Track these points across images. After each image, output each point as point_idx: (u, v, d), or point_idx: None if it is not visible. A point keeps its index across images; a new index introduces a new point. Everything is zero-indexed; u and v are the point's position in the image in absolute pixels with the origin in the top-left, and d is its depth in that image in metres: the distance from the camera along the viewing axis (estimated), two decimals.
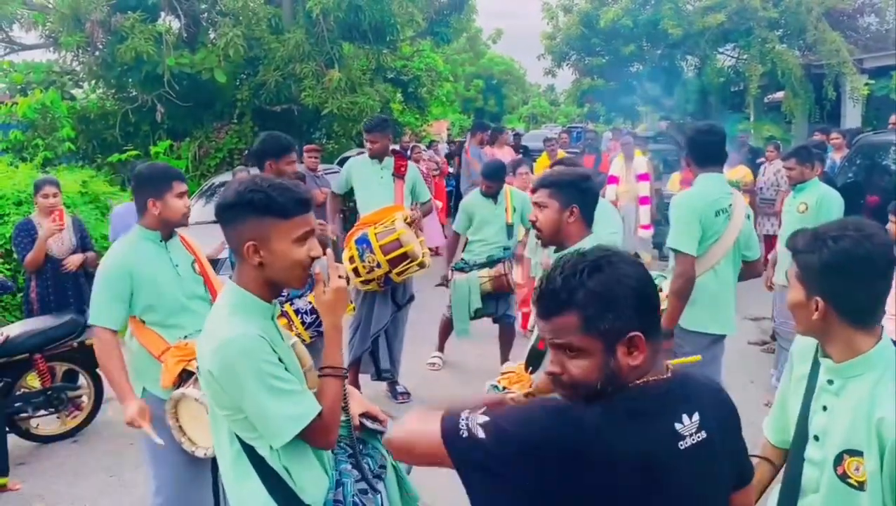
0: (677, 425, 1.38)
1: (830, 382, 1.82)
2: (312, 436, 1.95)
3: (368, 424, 2.26)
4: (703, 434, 1.40)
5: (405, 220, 4.95)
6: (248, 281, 1.98)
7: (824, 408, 1.82)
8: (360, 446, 2.24)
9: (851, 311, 1.75)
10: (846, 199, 5.51)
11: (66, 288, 5.45)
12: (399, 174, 5.41)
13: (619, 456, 1.33)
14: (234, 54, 11.51)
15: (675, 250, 3.80)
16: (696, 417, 1.40)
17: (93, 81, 12.96)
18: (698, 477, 1.40)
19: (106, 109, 12.71)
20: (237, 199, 1.95)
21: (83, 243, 5.60)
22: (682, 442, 1.37)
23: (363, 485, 2.14)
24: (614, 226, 4.76)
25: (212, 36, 12.69)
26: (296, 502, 1.97)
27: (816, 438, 1.82)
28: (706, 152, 4.00)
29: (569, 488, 1.31)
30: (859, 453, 1.71)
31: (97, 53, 11.93)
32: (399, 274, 4.92)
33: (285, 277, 1.98)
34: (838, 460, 1.75)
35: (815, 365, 1.89)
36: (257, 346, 1.88)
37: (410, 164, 5.58)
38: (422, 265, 4.94)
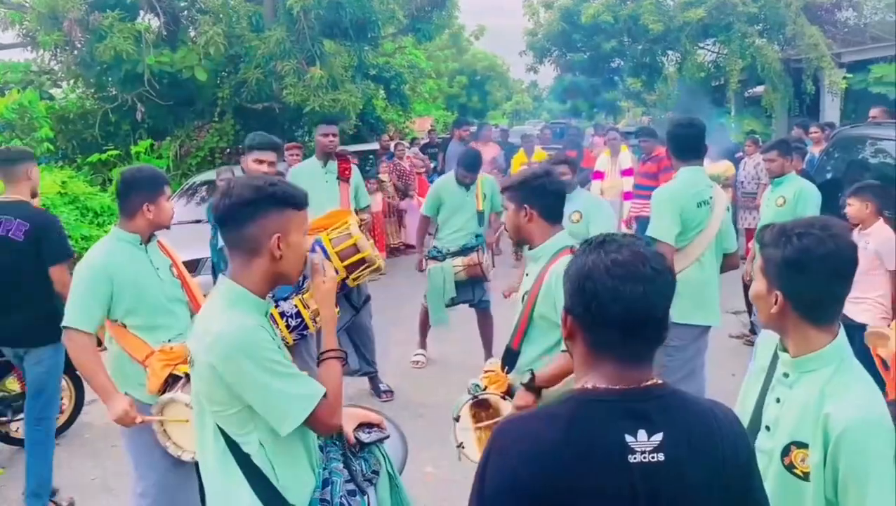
0: (628, 437, 1.34)
1: (786, 375, 1.85)
2: (319, 418, 1.98)
3: (365, 438, 2.28)
4: (661, 457, 1.34)
5: (358, 224, 4.87)
6: (251, 278, 2.01)
7: (777, 400, 1.87)
8: (356, 449, 2.27)
9: (808, 307, 1.77)
10: (824, 193, 5.57)
11: None
12: (344, 177, 5.38)
13: (566, 453, 1.33)
14: (215, 52, 11.43)
15: (653, 239, 3.85)
16: (657, 437, 1.34)
17: (72, 81, 12.84)
18: (653, 500, 1.33)
19: (85, 109, 12.58)
20: (258, 194, 1.98)
21: None
22: (632, 456, 1.33)
23: (352, 486, 2.16)
24: (607, 225, 4.75)
25: (192, 34, 12.59)
26: (280, 501, 1.98)
27: (768, 428, 1.86)
28: (686, 146, 4.08)
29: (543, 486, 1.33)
30: (805, 445, 1.75)
31: (76, 52, 11.80)
32: (354, 280, 4.84)
33: (294, 269, 2.06)
34: (786, 450, 1.79)
35: (776, 358, 1.93)
36: (259, 336, 1.93)
37: (354, 167, 5.55)
38: (378, 269, 4.87)
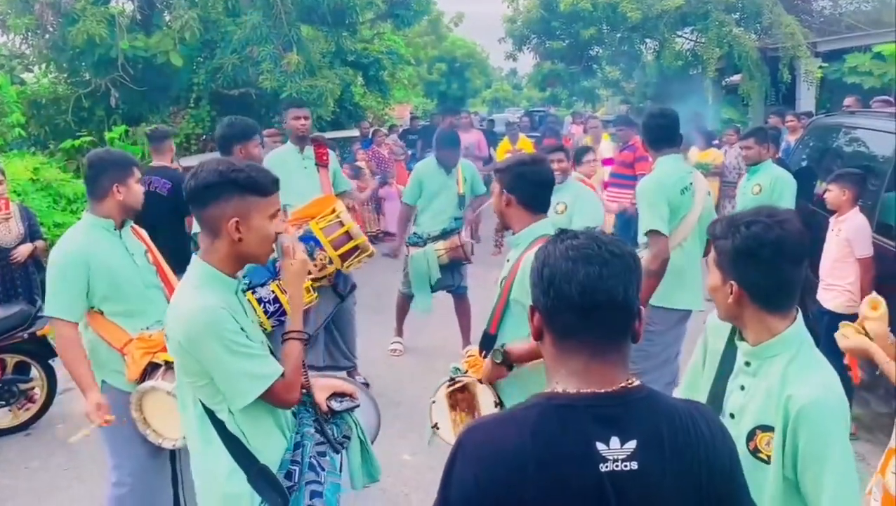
0: (599, 445, 1.29)
1: (748, 363, 1.87)
2: (276, 395, 2.13)
3: (336, 406, 2.42)
4: (634, 465, 1.29)
5: (347, 210, 4.80)
6: (216, 257, 2.13)
7: (742, 387, 1.89)
8: (328, 416, 2.41)
9: (763, 295, 1.80)
10: (799, 181, 5.62)
11: (14, 278, 5.32)
12: (322, 163, 5.28)
13: (537, 461, 1.29)
14: (190, 37, 11.26)
15: (651, 232, 3.87)
16: (630, 444, 1.29)
17: (43, 65, 12.58)
18: None
19: (58, 94, 12.35)
20: (220, 178, 2.08)
21: (31, 232, 5.46)
22: (603, 464, 1.28)
23: (322, 448, 2.31)
24: (593, 218, 4.65)
25: (167, 18, 12.38)
26: (253, 462, 2.14)
27: (732, 415, 1.88)
28: (660, 135, 4.12)
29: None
30: (770, 429, 1.78)
31: (47, 36, 11.57)
32: (347, 267, 4.79)
33: (258, 251, 2.16)
34: (751, 435, 1.82)
35: (730, 346, 1.95)
36: (220, 316, 2.04)
37: (331, 152, 5.46)
38: (370, 255, 4.84)
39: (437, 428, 3.05)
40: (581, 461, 1.28)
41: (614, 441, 1.29)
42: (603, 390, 1.34)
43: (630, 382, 1.37)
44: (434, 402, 3.08)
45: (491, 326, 3.01)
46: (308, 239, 4.63)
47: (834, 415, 1.72)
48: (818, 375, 1.78)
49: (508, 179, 2.90)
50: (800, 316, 1.86)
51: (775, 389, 1.78)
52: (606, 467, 1.28)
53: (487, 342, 3.02)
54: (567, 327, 1.36)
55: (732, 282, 1.80)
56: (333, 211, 4.68)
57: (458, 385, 3.01)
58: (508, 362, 2.82)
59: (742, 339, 1.89)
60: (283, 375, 2.13)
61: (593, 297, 1.32)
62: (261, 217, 2.10)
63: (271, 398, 2.13)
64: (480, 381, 2.95)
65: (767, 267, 1.77)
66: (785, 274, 1.79)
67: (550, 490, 1.28)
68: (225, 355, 2.03)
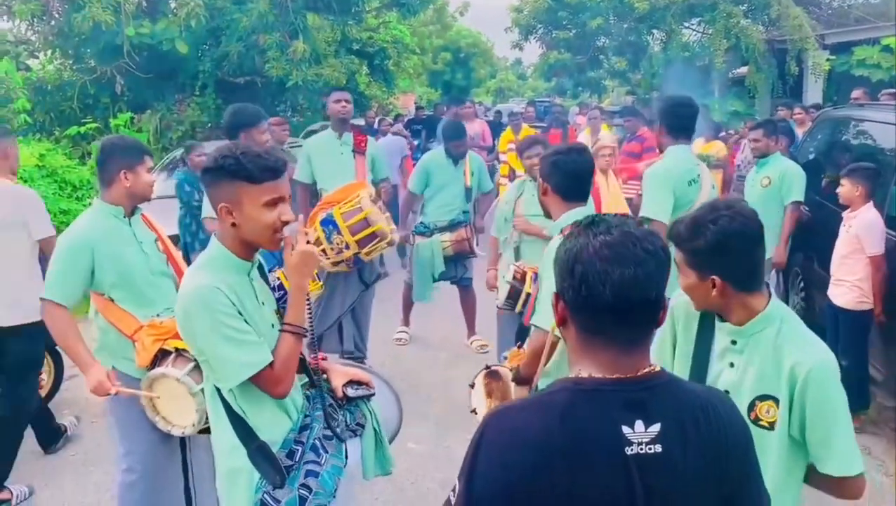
0: (625, 429, 1.30)
1: (734, 341, 1.99)
2: (263, 385, 2.13)
3: (351, 393, 2.43)
4: (658, 448, 1.30)
5: (370, 197, 4.84)
6: (226, 238, 2.16)
7: (732, 365, 2.00)
8: (342, 402, 2.42)
9: (742, 280, 1.93)
10: (807, 173, 5.59)
11: None
12: (360, 150, 5.29)
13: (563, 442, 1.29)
14: (196, 24, 11.25)
15: (647, 219, 3.86)
16: (654, 428, 1.31)
17: (49, 52, 12.60)
18: (648, 493, 1.29)
19: (63, 81, 12.36)
20: (213, 164, 2.11)
21: None
22: (629, 447, 1.29)
23: (330, 432, 2.31)
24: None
25: (172, 5, 12.38)
26: (253, 438, 2.16)
27: (727, 392, 1.90)
28: (681, 125, 4.12)
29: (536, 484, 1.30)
30: (768, 397, 1.92)
31: (53, 23, 11.57)
32: (367, 254, 4.83)
33: (257, 238, 2.14)
34: (751, 407, 1.94)
35: (704, 327, 2.07)
36: (213, 297, 2.06)
37: (370, 139, 5.48)
38: (391, 243, 4.87)
39: (476, 413, 3.13)
40: (608, 445, 1.30)
41: (639, 425, 1.31)
42: (628, 376, 1.35)
43: (653, 367, 1.38)
44: (473, 386, 3.18)
45: (524, 317, 3.07)
46: (328, 223, 4.71)
47: (836, 376, 1.89)
48: (815, 343, 1.94)
49: (544, 168, 2.97)
50: (773, 292, 2.02)
51: (770, 359, 1.92)
52: (632, 450, 1.30)
53: (522, 334, 3.07)
54: (597, 325, 1.37)
55: (714, 277, 1.92)
56: (357, 196, 4.72)
57: (492, 371, 3.13)
58: (522, 379, 2.88)
59: (723, 321, 2.01)
60: (271, 365, 2.11)
61: (628, 299, 1.32)
62: (252, 204, 2.08)
63: (260, 386, 2.13)
64: (517, 370, 3.01)
65: (741, 255, 1.92)
66: (755, 256, 1.95)
67: (578, 474, 1.28)
68: (212, 336, 2.06)
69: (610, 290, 1.31)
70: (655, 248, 1.35)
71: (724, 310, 1.98)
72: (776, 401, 1.91)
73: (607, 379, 1.35)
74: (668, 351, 2.19)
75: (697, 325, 2.09)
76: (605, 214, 1.43)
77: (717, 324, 2.02)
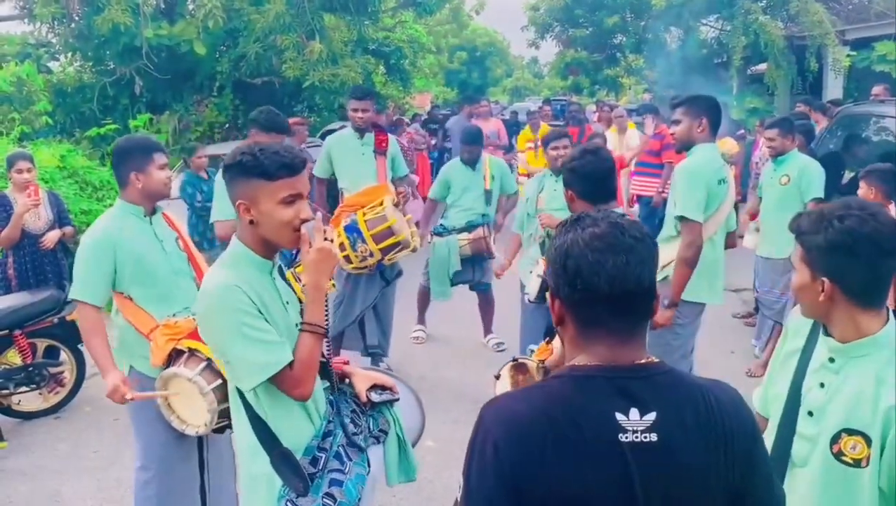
0: (619, 416, 1.30)
1: (832, 360, 1.81)
2: (283, 386, 2.08)
3: (375, 397, 2.39)
4: (653, 437, 1.30)
5: (394, 203, 4.83)
6: (246, 237, 2.14)
7: (822, 385, 1.82)
8: (367, 407, 2.39)
9: (857, 290, 1.74)
10: (827, 170, 5.53)
11: (44, 264, 5.41)
12: (381, 150, 5.28)
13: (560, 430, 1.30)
14: (214, 26, 11.31)
15: (683, 218, 3.77)
16: (649, 416, 1.31)
17: (69, 54, 12.72)
18: (645, 481, 1.29)
19: (83, 82, 12.47)
20: (231, 161, 2.11)
21: (60, 218, 5.55)
22: (623, 435, 1.30)
23: (354, 439, 2.26)
24: None
25: (190, 7, 12.45)
26: (276, 444, 2.11)
27: (811, 413, 1.82)
28: (719, 122, 4.04)
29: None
30: (858, 433, 1.73)
31: (73, 25, 11.68)
32: (390, 260, 4.88)
33: (275, 236, 2.11)
34: (835, 438, 1.76)
35: (810, 342, 1.89)
36: (232, 295, 2.02)
37: (391, 138, 5.50)
38: (413, 250, 4.89)
39: None
40: (600, 430, 1.30)
41: (633, 412, 1.31)
42: (623, 365, 1.36)
43: (650, 358, 1.39)
44: (498, 377, 3.18)
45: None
46: (353, 230, 4.71)
47: None
48: None
49: (566, 178, 2.96)
50: (892, 316, 1.79)
51: (869, 393, 1.72)
52: (626, 437, 1.30)
53: (551, 331, 3.07)
54: (595, 317, 1.37)
55: (825, 278, 1.75)
56: (382, 204, 4.72)
57: (519, 363, 3.13)
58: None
59: (828, 334, 1.83)
60: (290, 365, 2.06)
61: (623, 286, 1.33)
62: (268, 201, 2.06)
63: (279, 387, 2.08)
64: (544, 366, 3.00)
65: (863, 261, 1.71)
66: (880, 267, 1.74)
67: (571, 458, 1.29)
68: (230, 335, 2.02)
69: (605, 279, 1.33)
70: (643, 235, 1.38)
71: (828, 320, 1.80)
72: (866, 439, 1.71)
73: (601, 366, 1.36)
74: (776, 369, 2.02)
75: (807, 335, 1.91)
76: (589, 212, 1.45)
77: (821, 337, 1.85)
